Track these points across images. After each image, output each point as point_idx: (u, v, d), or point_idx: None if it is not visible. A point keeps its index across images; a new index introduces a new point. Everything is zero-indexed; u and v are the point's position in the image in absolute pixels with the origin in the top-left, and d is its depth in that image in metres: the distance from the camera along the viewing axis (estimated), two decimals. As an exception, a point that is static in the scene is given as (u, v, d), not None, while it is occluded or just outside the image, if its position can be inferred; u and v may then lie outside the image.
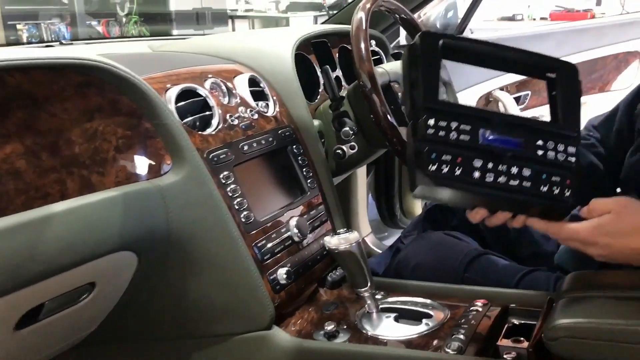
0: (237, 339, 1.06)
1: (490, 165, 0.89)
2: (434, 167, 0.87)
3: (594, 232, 0.90)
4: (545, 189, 0.90)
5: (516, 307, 1.10)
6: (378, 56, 1.75)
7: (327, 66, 1.30)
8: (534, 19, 6.77)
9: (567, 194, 0.91)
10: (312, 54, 1.53)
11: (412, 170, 0.90)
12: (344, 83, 1.58)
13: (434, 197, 0.92)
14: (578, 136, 0.94)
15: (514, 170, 0.90)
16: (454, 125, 0.89)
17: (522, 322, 1.08)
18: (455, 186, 0.90)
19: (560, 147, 0.93)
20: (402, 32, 2.22)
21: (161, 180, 0.96)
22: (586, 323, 0.86)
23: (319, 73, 1.49)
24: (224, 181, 1.04)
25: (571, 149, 0.93)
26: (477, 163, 0.89)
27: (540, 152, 0.92)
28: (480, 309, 1.08)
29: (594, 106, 2.52)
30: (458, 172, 0.88)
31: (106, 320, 1.04)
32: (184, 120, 1.05)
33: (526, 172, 0.90)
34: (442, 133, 0.88)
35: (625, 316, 0.86)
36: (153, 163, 0.97)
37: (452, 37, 1.00)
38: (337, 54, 1.61)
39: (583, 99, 2.61)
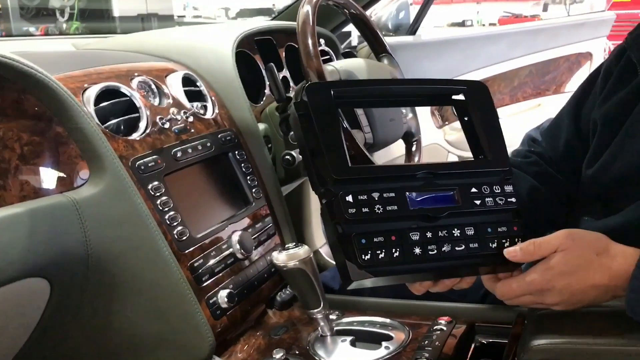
0: (172, 374, 0.92)
1: (429, 234, 0.77)
2: (367, 256, 0.74)
3: (547, 276, 0.78)
4: (494, 245, 0.80)
5: (483, 325, 1.01)
6: (328, 56, 1.64)
7: (272, 64, 1.18)
8: (483, 25, 6.85)
9: (519, 243, 0.81)
10: (257, 53, 1.41)
11: (340, 263, 0.75)
12: (291, 84, 1.47)
13: (372, 286, 0.79)
14: (510, 169, 0.84)
15: (456, 232, 0.78)
16: (376, 195, 0.76)
17: (490, 340, 0.99)
18: (397, 271, 0.77)
19: (497, 189, 0.82)
20: (354, 33, 2.14)
21: (77, 194, 0.82)
22: (565, 343, 0.77)
23: (264, 73, 1.37)
24: (152, 193, 0.90)
25: (508, 188, 0.83)
26: (415, 236, 0.77)
27: (478, 202, 0.81)
28: (444, 328, 0.99)
29: (549, 108, 2.49)
30: (397, 254, 0.75)
31: (17, 359, 0.89)
32: (106, 124, 0.92)
33: (469, 231, 0.79)
34: (365, 209, 0.75)
35: (605, 334, 0.77)
36: (67, 173, 0.84)
37: (341, 83, 0.89)
38: (284, 54, 1.50)
39: (537, 100, 2.54)
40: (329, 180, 0.75)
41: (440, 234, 0.78)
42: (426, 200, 0.78)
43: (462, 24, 6.63)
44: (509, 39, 2.39)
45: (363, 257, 0.73)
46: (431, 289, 0.85)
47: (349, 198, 0.75)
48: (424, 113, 2.15)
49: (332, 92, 0.79)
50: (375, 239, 0.74)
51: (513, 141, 1.16)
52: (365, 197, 0.75)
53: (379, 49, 1.48)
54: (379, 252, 0.74)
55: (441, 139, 2.28)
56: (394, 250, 0.75)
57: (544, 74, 2.53)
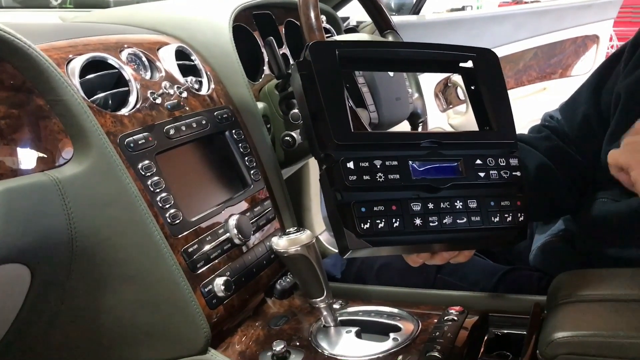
0: (165, 367, 0.86)
1: (430, 205, 0.74)
2: (367, 225, 0.71)
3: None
4: (496, 219, 0.77)
5: (497, 315, 0.95)
6: (330, 34, 1.57)
7: (272, 37, 1.11)
8: (484, 11, 6.75)
9: (521, 218, 0.78)
10: (255, 29, 1.33)
11: (338, 231, 0.72)
12: (291, 62, 1.40)
13: (368, 255, 0.77)
14: (516, 142, 0.81)
15: (459, 205, 0.75)
16: (378, 163, 0.72)
17: (505, 332, 0.93)
18: (396, 242, 0.74)
19: (502, 162, 0.79)
20: (353, 16, 2.06)
21: (59, 172, 0.76)
22: (592, 336, 0.70)
23: (262, 50, 1.30)
24: (143, 172, 0.83)
25: (513, 161, 0.80)
26: (416, 207, 0.73)
27: (482, 174, 0.78)
28: (456, 318, 0.92)
29: (555, 92, 2.42)
30: (397, 224, 0.72)
31: (-4, 351, 0.82)
32: (92, 98, 0.84)
33: (472, 203, 0.76)
34: (366, 177, 0.72)
35: (636, 326, 0.70)
36: (48, 150, 0.77)
37: (347, 43, 0.86)
38: (283, 30, 1.42)
39: (543, 84, 2.47)
40: (330, 145, 0.72)
41: (442, 205, 0.75)
42: (429, 170, 0.75)
43: (462, 10, 6.53)
44: (514, 20, 2.32)
45: (362, 226, 0.71)
46: (428, 261, 0.82)
47: (350, 165, 0.71)
48: (427, 96, 2.09)
49: (336, 52, 0.74)
50: (375, 208, 0.71)
51: (517, 125, 1.11)
52: (367, 164, 0.72)
53: (383, 26, 1.41)
54: (378, 221, 0.71)
55: (445, 123, 2.22)
56: (394, 220, 0.72)
57: (550, 56, 2.46)
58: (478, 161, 0.78)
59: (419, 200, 0.74)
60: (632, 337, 0.68)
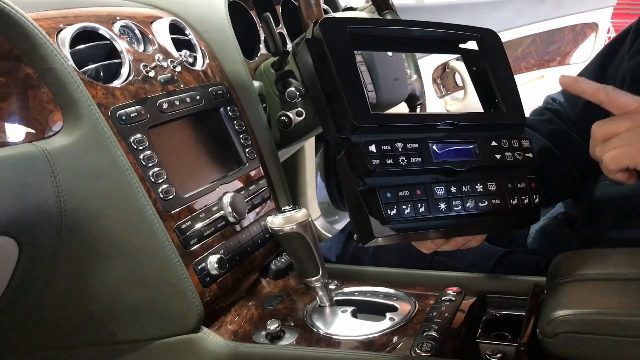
0: (157, 345, 0.84)
1: (453, 189, 0.72)
2: (393, 211, 0.68)
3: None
4: (514, 201, 0.76)
5: (495, 296, 0.94)
6: (326, 14, 1.54)
7: (268, 13, 1.08)
8: None
9: (537, 200, 0.77)
10: (252, 8, 1.31)
11: (361, 218, 0.69)
12: (288, 42, 1.37)
13: (388, 243, 0.74)
14: (524, 123, 0.80)
15: (479, 188, 0.74)
16: (399, 146, 0.70)
17: (503, 313, 0.91)
18: (422, 228, 0.72)
19: (515, 144, 0.77)
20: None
21: (48, 143, 0.73)
22: (593, 314, 0.69)
23: (258, 28, 1.27)
24: (135, 146, 0.81)
25: (525, 143, 0.78)
26: (440, 191, 0.71)
27: (498, 156, 0.76)
28: (453, 299, 0.91)
29: (553, 80, 2.40)
30: (422, 209, 0.70)
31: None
32: (83, 69, 0.82)
33: (491, 186, 0.74)
34: (389, 161, 0.69)
35: (637, 304, 0.69)
36: (37, 120, 0.74)
37: (357, 20, 0.83)
38: (280, 9, 1.40)
39: (541, 71, 2.45)
40: (348, 127, 0.69)
41: (464, 188, 0.72)
42: (449, 152, 0.72)
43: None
44: (513, 5, 2.30)
45: (389, 212, 0.68)
46: (441, 248, 0.80)
47: (372, 148, 0.68)
48: (425, 82, 2.07)
49: (347, 29, 0.72)
50: (400, 193, 0.69)
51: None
52: (389, 147, 0.69)
53: (382, 5, 1.39)
54: (404, 206, 0.69)
55: (442, 110, 2.20)
56: (419, 205, 0.70)
57: (549, 44, 2.45)
58: (493, 143, 0.76)
59: (441, 184, 0.72)
60: (633, 315, 0.67)
